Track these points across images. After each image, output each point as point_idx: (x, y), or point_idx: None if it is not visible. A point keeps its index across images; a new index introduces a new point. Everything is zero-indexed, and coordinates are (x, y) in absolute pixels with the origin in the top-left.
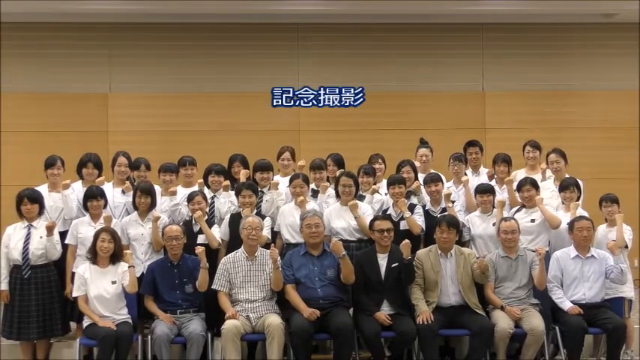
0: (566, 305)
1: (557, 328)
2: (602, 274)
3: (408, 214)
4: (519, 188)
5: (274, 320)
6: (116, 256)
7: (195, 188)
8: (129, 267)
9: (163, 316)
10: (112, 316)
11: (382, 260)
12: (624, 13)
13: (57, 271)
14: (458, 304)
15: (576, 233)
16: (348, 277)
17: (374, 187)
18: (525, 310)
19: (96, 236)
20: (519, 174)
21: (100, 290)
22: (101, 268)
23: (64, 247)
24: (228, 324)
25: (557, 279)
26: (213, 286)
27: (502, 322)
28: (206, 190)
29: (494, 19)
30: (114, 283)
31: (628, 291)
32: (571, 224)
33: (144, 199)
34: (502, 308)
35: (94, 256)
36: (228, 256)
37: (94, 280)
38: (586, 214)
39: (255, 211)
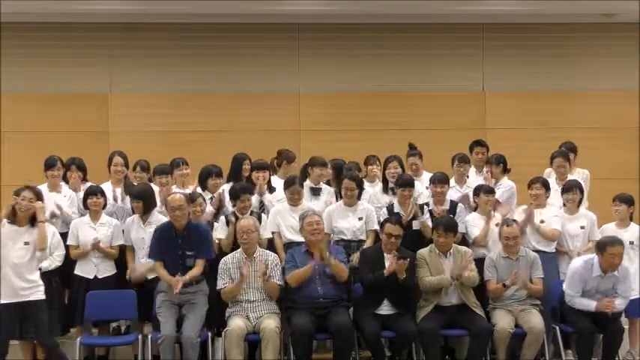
0: (592, 305)
1: (557, 327)
2: (617, 289)
3: (425, 216)
4: (529, 186)
5: (269, 324)
6: (35, 219)
7: (191, 190)
8: (39, 222)
9: (169, 279)
10: (21, 283)
11: (387, 261)
12: (624, 13)
13: (57, 271)
14: (458, 303)
15: (607, 258)
16: (340, 277)
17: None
18: (525, 310)
19: (17, 193)
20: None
21: (9, 251)
22: (17, 227)
23: (66, 247)
24: (233, 325)
25: (578, 291)
26: (218, 287)
27: (502, 322)
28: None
29: (494, 19)
30: (27, 244)
31: None
32: (603, 246)
33: (136, 203)
34: (504, 286)
35: (13, 214)
36: (227, 256)
37: (6, 241)
38: (593, 215)
39: (249, 211)
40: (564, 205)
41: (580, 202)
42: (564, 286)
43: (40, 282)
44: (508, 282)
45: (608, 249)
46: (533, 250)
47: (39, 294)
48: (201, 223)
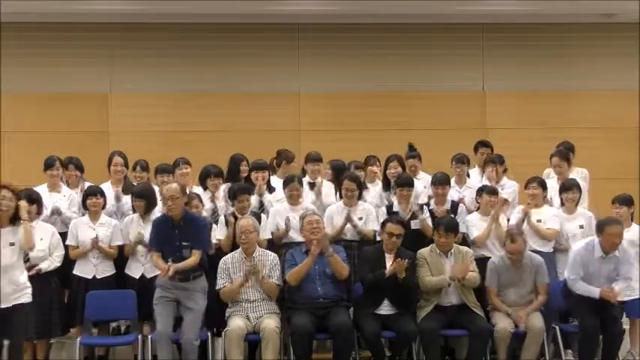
0: (596, 292)
1: (557, 327)
2: (619, 271)
3: (425, 215)
4: (526, 185)
5: (269, 324)
6: (17, 218)
7: (193, 188)
8: (23, 221)
9: (162, 266)
10: (11, 287)
11: (389, 260)
12: (624, 13)
13: (57, 271)
14: (458, 303)
15: (607, 238)
16: (340, 274)
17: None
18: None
19: None
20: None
21: None
22: None
23: (65, 247)
24: (233, 325)
25: (579, 274)
26: (218, 287)
27: (502, 322)
28: (202, 191)
29: (494, 19)
30: (12, 244)
31: None
32: (602, 226)
33: (138, 202)
34: (508, 315)
35: None
36: (227, 256)
37: None
38: (591, 214)
39: (250, 212)
40: (562, 204)
41: (578, 201)
42: (565, 271)
43: (28, 284)
44: (513, 316)
45: (606, 229)
46: (530, 251)
47: (26, 297)
48: (199, 215)
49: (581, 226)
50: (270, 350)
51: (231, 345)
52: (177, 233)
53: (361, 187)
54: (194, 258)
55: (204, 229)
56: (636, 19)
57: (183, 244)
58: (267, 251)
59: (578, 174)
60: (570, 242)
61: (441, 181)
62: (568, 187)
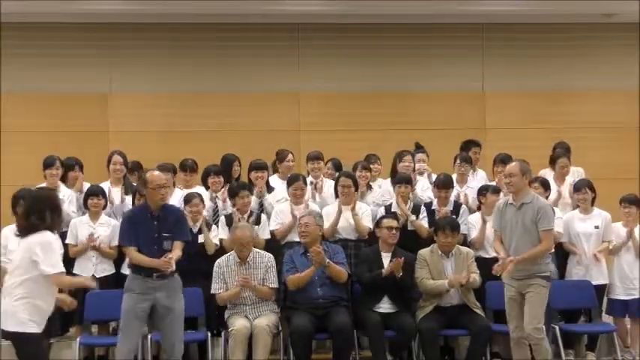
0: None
1: (557, 327)
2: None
3: (412, 217)
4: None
5: (260, 322)
6: None
7: (195, 189)
8: None
9: (156, 262)
10: None
11: (385, 259)
12: (624, 13)
13: None
14: (458, 303)
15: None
16: (339, 279)
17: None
18: (530, 288)
19: None
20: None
21: None
22: None
23: (65, 246)
24: (238, 325)
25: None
26: (212, 292)
27: (520, 328)
28: (204, 191)
29: (494, 19)
30: None
31: None
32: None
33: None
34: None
35: None
36: (221, 259)
37: None
38: (607, 215)
39: (248, 213)
40: (577, 205)
41: (593, 200)
42: None
43: None
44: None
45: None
46: None
47: None
48: (173, 205)
49: (597, 227)
50: (260, 349)
51: (235, 345)
52: (156, 225)
53: (357, 184)
54: (178, 250)
55: (183, 218)
56: (636, 19)
57: (164, 235)
58: (262, 252)
59: (574, 174)
60: (584, 243)
61: (444, 184)
62: (578, 187)
